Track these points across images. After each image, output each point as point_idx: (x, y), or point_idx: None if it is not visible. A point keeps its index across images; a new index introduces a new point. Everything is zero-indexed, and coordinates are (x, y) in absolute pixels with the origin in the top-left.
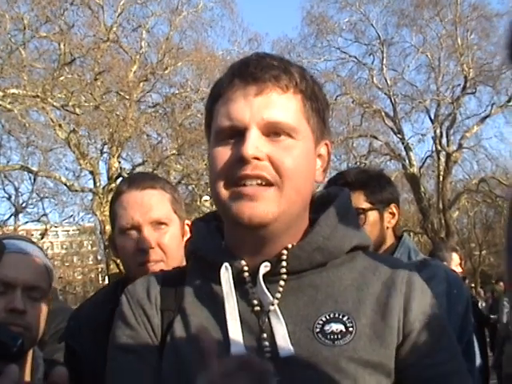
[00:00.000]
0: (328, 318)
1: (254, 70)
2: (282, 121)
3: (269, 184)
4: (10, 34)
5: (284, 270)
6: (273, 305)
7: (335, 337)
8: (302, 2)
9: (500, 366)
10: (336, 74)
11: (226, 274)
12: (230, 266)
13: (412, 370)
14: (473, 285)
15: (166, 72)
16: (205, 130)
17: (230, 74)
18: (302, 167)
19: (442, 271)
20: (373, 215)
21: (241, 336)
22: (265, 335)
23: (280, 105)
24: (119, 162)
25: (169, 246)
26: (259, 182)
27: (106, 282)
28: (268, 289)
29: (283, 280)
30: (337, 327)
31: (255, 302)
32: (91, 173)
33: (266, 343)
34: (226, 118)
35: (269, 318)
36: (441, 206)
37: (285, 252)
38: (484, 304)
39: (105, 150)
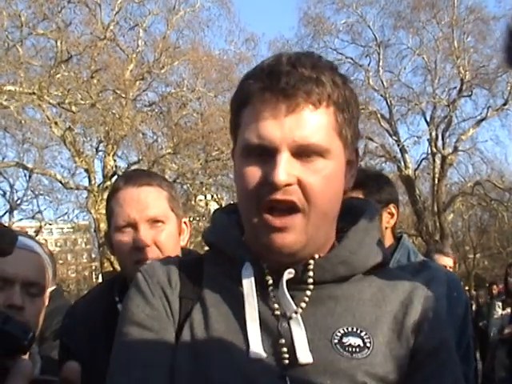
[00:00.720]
0: (346, 331)
1: (285, 86)
2: (313, 142)
3: (296, 210)
4: (7, 31)
5: (311, 280)
6: (296, 313)
7: (353, 350)
8: (299, 3)
9: (492, 369)
10: None
11: (247, 273)
12: (252, 265)
13: None
14: (467, 288)
15: (163, 71)
16: (230, 131)
17: (261, 84)
18: (331, 188)
19: (443, 274)
20: None
21: (260, 339)
22: (283, 341)
23: (312, 124)
24: (114, 161)
25: (165, 243)
26: (287, 207)
27: (100, 280)
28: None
29: (309, 290)
30: (355, 341)
31: (276, 306)
32: (86, 171)
33: (285, 349)
34: (255, 136)
35: (289, 325)
36: (436, 208)
37: (311, 262)
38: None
39: (100, 148)
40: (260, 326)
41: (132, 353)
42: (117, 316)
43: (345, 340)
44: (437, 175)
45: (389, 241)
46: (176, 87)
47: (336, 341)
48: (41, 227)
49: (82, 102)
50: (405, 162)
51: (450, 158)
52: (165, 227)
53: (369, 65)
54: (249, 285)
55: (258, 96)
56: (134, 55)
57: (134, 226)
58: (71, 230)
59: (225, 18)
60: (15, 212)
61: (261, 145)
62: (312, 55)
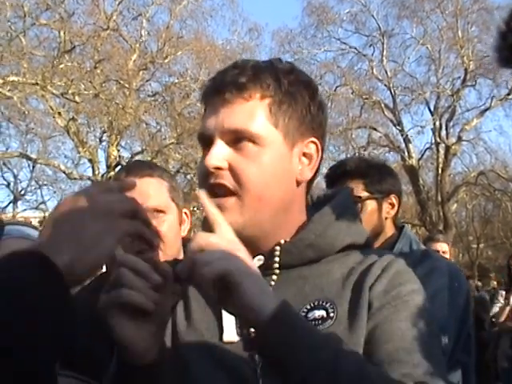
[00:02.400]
0: (312, 305)
1: (220, 83)
2: (242, 128)
3: (230, 193)
4: (10, 21)
5: (276, 265)
6: None
7: (316, 323)
8: None
9: (495, 359)
10: (336, 64)
11: None
12: None
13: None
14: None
15: (166, 61)
16: None
17: (206, 86)
18: (265, 174)
19: (444, 264)
20: (371, 205)
21: (233, 324)
22: None
23: (241, 113)
24: (118, 151)
25: (166, 234)
26: (222, 190)
27: (104, 269)
28: None
29: (275, 274)
30: (319, 313)
31: None
32: (90, 161)
33: (252, 329)
34: (200, 127)
35: None
36: (439, 198)
37: (277, 248)
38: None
39: (104, 138)
40: None
41: None
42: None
43: (310, 315)
44: (440, 165)
45: (390, 231)
46: (179, 77)
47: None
48: (45, 217)
49: (86, 93)
50: (408, 152)
51: (453, 147)
52: (166, 218)
53: (372, 54)
54: None
55: (204, 97)
56: (138, 45)
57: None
58: None
59: (228, 7)
60: (19, 202)
61: (202, 135)
62: (266, 60)
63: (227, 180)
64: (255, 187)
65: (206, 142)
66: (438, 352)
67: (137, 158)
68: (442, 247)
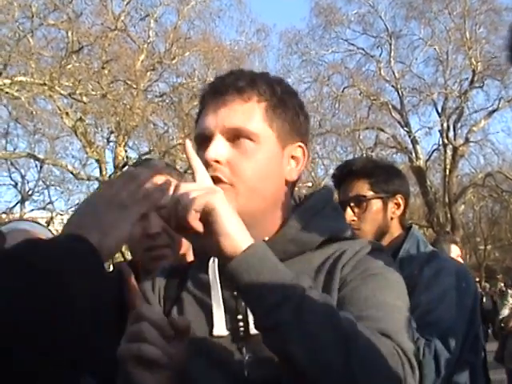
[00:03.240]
0: None
1: (220, 86)
2: (241, 126)
3: (223, 182)
4: (17, 21)
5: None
6: None
7: None
8: None
9: (502, 359)
10: (344, 65)
11: (212, 264)
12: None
13: None
14: (477, 279)
15: (174, 61)
16: None
17: (204, 91)
18: (260, 168)
19: (452, 264)
20: (376, 204)
21: (222, 319)
22: (240, 317)
23: (241, 113)
24: (126, 151)
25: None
26: (218, 183)
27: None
28: None
29: None
30: None
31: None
32: (97, 161)
33: (241, 323)
34: (199, 129)
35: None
36: (447, 199)
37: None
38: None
39: (111, 138)
40: (225, 307)
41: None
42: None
43: None
44: (448, 166)
45: (397, 231)
46: (187, 78)
47: None
48: (52, 218)
49: (93, 93)
50: (416, 153)
51: (461, 149)
52: None
53: (380, 55)
54: (213, 274)
55: (203, 101)
56: (145, 46)
57: (143, 215)
58: None
59: (236, 8)
60: (26, 203)
61: (201, 133)
62: (260, 72)
63: (223, 174)
64: (250, 180)
65: (204, 139)
66: (402, 316)
67: (144, 158)
68: (458, 251)
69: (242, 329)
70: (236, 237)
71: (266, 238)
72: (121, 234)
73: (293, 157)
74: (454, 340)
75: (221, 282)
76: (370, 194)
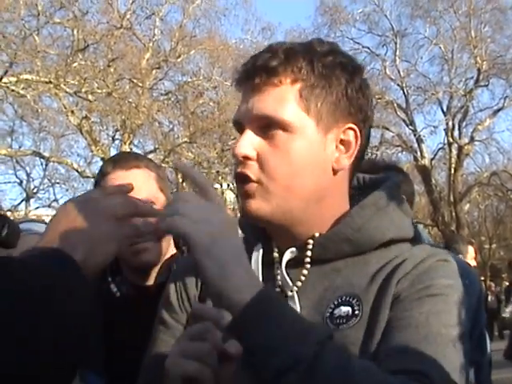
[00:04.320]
0: (340, 301)
1: (251, 67)
2: (271, 114)
3: (251, 180)
4: (23, 19)
5: (308, 260)
6: (292, 291)
7: (341, 321)
8: None
9: (510, 356)
10: None
11: (256, 254)
12: (263, 247)
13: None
14: (482, 278)
15: (179, 60)
16: None
17: (238, 73)
18: (296, 163)
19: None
20: None
21: None
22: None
23: (271, 99)
24: (131, 149)
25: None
26: (246, 180)
27: None
28: (292, 274)
29: (305, 269)
30: (345, 310)
31: (279, 284)
32: (103, 159)
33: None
34: (235, 115)
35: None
36: (452, 198)
37: (310, 241)
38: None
39: (117, 136)
40: None
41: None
42: (109, 296)
43: (336, 311)
44: (453, 165)
45: None
46: (192, 76)
47: (328, 314)
48: None
49: (99, 91)
50: (421, 152)
51: (466, 148)
52: None
53: (385, 54)
54: (255, 264)
55: (236, 82)
56: (151, 44)
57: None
58: None
59: (241, 7)
60: (32, 200)
61: (236, 121)
62: (302, 42)
63: (252, 171)
64: (282, 177)
65: (239, 128)
66: (454, 357)
67: (149, 156)
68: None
69: None
70: (223, 296)
71: (317, 235)
72: (108, 250)
73: (342, 141)
74: None
75: (264, 275)
76: None
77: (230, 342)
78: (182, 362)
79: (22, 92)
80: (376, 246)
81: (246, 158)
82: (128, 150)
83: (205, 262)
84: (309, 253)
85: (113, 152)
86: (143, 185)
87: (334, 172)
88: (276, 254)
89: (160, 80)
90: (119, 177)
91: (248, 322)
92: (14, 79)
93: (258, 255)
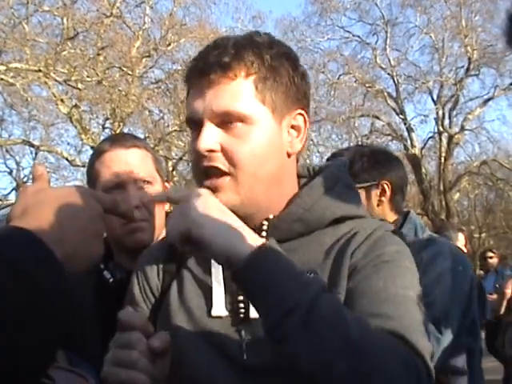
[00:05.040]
0: None
1: (203, 64)
2: (230, 109)
3: (224, 174)
4: (12, 8)
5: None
6: None
7: None
8: None
9: (503, 345)
10: (339, 53)
11: None
12: None
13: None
14: (472, 267)
15: (169, 48)
16: None
17: (189, 68)
18: (258, 151)
19: (448, 248)
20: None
21: (222, 299)
22: (241, 298)
23: (228, 94)
24: None
25: (153, 205)
26: (216, 172)
27: None
28: None
29: None
30: None
31: None
32: (93, 148)
33: (241, 305)
34: (188, 112)
35: None
36: (442, 187)
37: (265, 223)
38: None
39: (107, 125)
40: (225, 288)
41: None
42: (103, 283)
43: None
44: (443, 154)
45: (391, 217)
46: (182, 64)
47: None
48: None
49: (89, 80)
50: (411, 141)
51: (456, 137)
52: (153, 188)
53: (376, 43)
54: None
55: (188, 79)
56: (141, 32)
57: (122, 186)
58: None
59: None
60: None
61: (191, 119)
62: (244, 36)
63: (220, 162)
64: (249, 166)
65: (196, 124)
66: (416, 313)
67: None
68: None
69: (242, 310)
70: (229, 258)
71: (271, 216)
72: (94, 249)
73: (293, 126)
74: (448, 323)
75: None
76: None
77: (152, 338)
78: (116, 370)
79: (11, 81)
80: (327, 223)
81: (211, 151)
82: (125, 132)
83: (209, 236)
84: (264, 233)
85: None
86: (142, 164)
87: (288, 156)
88: None
89: (150, 68)
90: (118, 155)
91: (253, 273)
92: (3, 68)
93: None
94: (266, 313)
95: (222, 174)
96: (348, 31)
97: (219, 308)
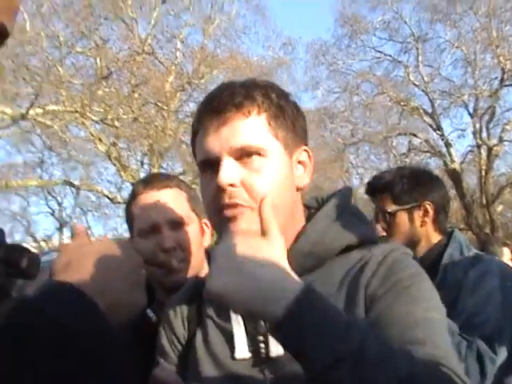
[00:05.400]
0: None
1: (217, 104)
2: (247, 144)
3: (243, 206)
4: (46, 51)
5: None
6: None
7: None
8: (334, 4)
9: None
10: (372, 73)
11: None
12: None
13: None
14: None
15: (202, 81)
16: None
17: (201, 110)
18: (276, 183)
19: (495, 265)
20: (400, 216)
21: (245, 341)
22: (261, 338)
23: (244, 130)
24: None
25: (189, 245)
26: (235, 207)
27: None
28: None
29: None
30: None
31: None
32: (132, 184)
33: (262, 345)
34: (202, 153)
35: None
36: (484, 201)
37: None
38: None
39: (145, 161)
40: (245, 328)
41: None
42: (146, 322)
43: None
44: (483, 167)
45: (434, 237)
46: None
47: None
48: None
49: (125, 117)
50: (450, 156)
51: (495, 148)
52: (187, 228)
53: (408, 61)
54: None
55: (200, 120)
56: (173, 67)
57: (156, 229)
58: None
59: (261, 23)
60: (64, 229)
61: (206, 158)
62: (248, 80)
63: (240, 198)
64: (268, 198)
65: (210, 164)
66: (445, 334)
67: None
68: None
69: (263, 351)
70: (266, 316)
71: None
72: (139, 300)
73: (300, 162)
74: (501, 341)
75: None
76: (393, 208)
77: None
78: None
79: (48, 123)
80: (336, 253)
81: (232, 185)
82: (159, 172)
83: (238, 304)
84: None
85: (142, 176)
86: (174, 204)
87: (297, 190)
88: None
89: (185, 102)
90: (151, 197)
91: (292, 325)
92: (40, 111)
93: None
94: (310, 367)
95: (242, 206)
96: (379, 51)
97: (242, 350)
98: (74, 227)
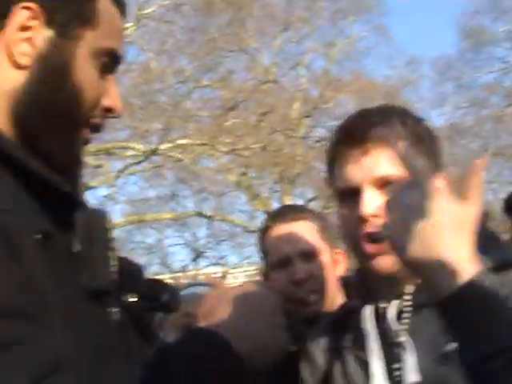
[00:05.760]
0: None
1: (356, 133)
2: (388, 174)
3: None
4: (173, 87)
5: (409, 303)
6: (403, 337)
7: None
8: (456, 17)
9: None
10: (500, 85)
11: (370, 316)
12: (368, 304)
13: None
14: None
15: (329, 105)
16: (329, 188)
17: (338, 138)
18: None
19: None
20: None
21: (382, 371)
22: (397, 365)
23: (385, 160)
24: (291, 200)
25: (321, 276)
26: (377, 239)
27: None
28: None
29: (407, 317)
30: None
31: (389, 335)
32: (265, 213)
33: (397, 373)
34: (342, 182)
35: (400, 349)
36: None
37: (410, 290)
38: None
39: (276, 188)
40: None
41: None
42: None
43: (448, 348)
44: None
45: None
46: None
47: (442, 353)
48: (225, 272)
49: (253, 146)
50: None
51: None
52: (319, 260)
53: None
54: (370, 323)
55: (338, 150)
56: (298, 93)
57: (288, 261)
58: (256, 271)
59: (383, 43)
60: (200, 260)
61: (347, 187)
62: (381, 106)
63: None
64: None
65: (351, 192)
66: None
67: (310, 204)
68: None
69: (398, 379)
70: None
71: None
72: (279, 346)
73: None
74: None
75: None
76: None
77: None
78: None
79: (179, 156)
80: None
81: (375, 216)
82: (289, 203)
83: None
84: (409, 297)
85: (274, 204)
86: (305, 236)
87: None
88: (382, 307)
89: (312, 127)
90: (280, 230)
91: (465, 303)
92: (170, 145)
93: (372, 316)
94: (470, 349)
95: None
96: (505, 61)
97: (379, 380)
98: (208, 278)
